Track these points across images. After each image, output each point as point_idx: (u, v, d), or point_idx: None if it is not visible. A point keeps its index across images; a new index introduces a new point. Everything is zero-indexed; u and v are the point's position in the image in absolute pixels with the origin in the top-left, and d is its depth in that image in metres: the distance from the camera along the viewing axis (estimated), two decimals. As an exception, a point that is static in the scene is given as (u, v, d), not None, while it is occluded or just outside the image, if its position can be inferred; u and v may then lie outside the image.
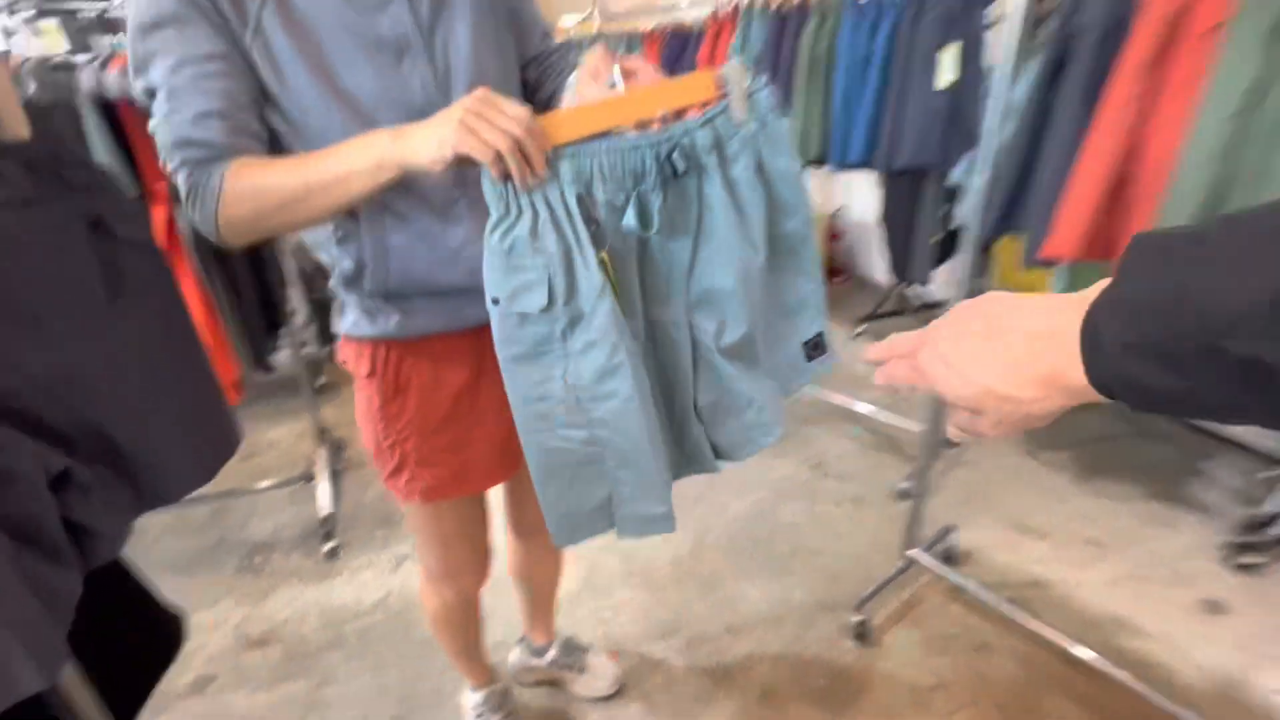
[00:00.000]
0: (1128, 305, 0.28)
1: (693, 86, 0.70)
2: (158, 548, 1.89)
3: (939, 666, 1.42)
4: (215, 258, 1.45)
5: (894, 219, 2.62)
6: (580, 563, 1.74)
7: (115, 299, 0.62)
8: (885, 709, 1.33)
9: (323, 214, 0.70)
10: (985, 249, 2.50)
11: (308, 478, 2.02)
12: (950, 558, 1.69)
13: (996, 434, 0.39)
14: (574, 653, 1.38)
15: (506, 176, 0.61)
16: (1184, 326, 0.26)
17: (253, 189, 0.68)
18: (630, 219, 0.67)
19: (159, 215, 1.32)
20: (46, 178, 0.55)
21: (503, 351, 0.68)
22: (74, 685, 0.64)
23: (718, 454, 0.83)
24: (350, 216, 0.76)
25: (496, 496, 1.04)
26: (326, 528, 1.82)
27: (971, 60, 1.76)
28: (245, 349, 1.56)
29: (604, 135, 0.66)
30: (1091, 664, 1.33)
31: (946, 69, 1.75)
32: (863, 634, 1.47)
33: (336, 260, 0.80)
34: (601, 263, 0.67)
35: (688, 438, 0.82)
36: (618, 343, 0.67)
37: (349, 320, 0.84)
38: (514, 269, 0.65)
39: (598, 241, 0.67)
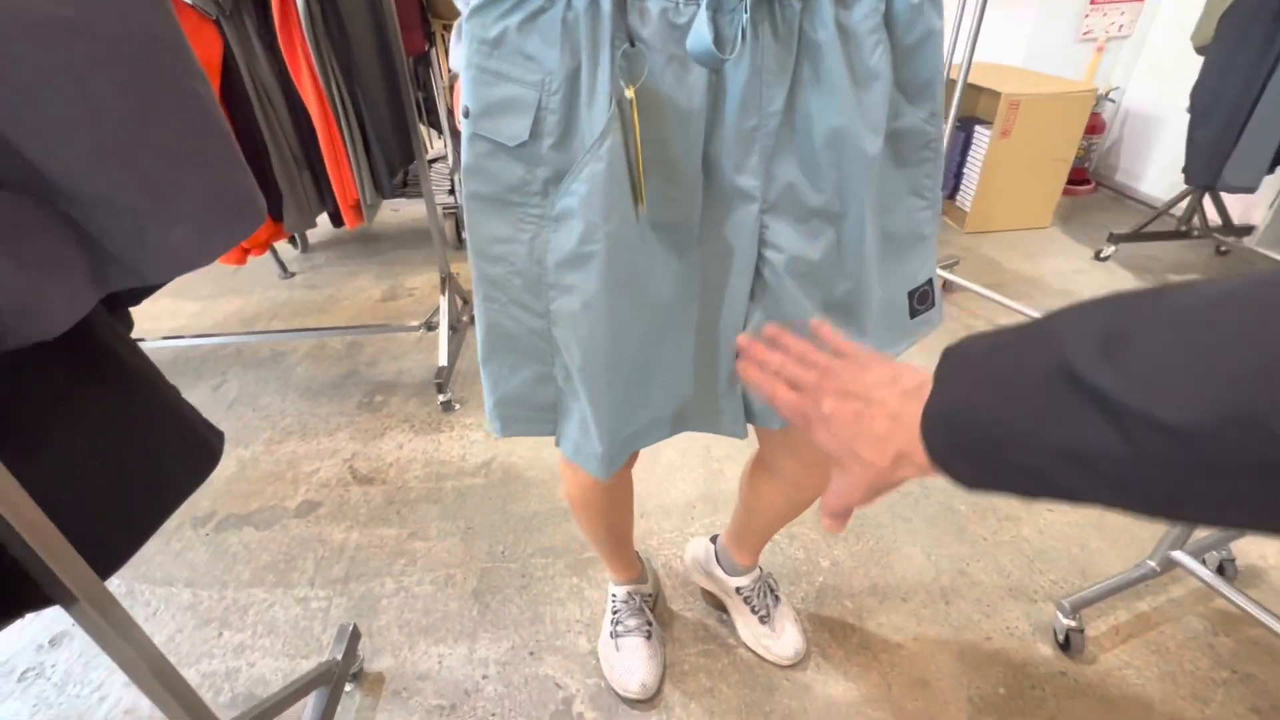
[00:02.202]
0: (945, 417, 0.34)
1: None
2: (296, 371, 1.93)
3: (1189, 717, 0.98)
4: (334, 49, 1.25)
5: (1221, 88, 1.81)
6: (702, 468, 1.48)
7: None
8: (1093, 754, 0.95)
9: None
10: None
11: (431, 326, 1.92)
12: (1224, 573, 1.18)
13: (864, 500, 0.42)
14: (766, 596, 1.09)
15: None
16: (977, 441, 0.32)
17: None
18: (701, 35, 0.45)
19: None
20: None
21: (466, 183, 0.54)
22: (15, 503, 0.48)
23: (750, 415, 0.68)
24: None
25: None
26: (439, 379, 1.72)
27: None
28: (364, 166, 1.39)
29: None
30: None
31: None
32: (1071, 643, 1.07)
33: None
34: (619, 105, 0.48)
35: (716, 383, 0.66)
36: (597, 224, 0.51)
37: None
38: (494, 75, 0.49)
39: (626, 71, 0.48)
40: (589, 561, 1.27)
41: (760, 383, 0.47)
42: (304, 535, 1.37)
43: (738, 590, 1.10)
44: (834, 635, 1.12)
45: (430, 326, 1.92)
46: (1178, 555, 1.10)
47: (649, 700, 1.02)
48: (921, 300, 0.69)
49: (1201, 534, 1.18)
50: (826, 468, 0.82)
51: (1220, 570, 1.17)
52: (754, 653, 1.09)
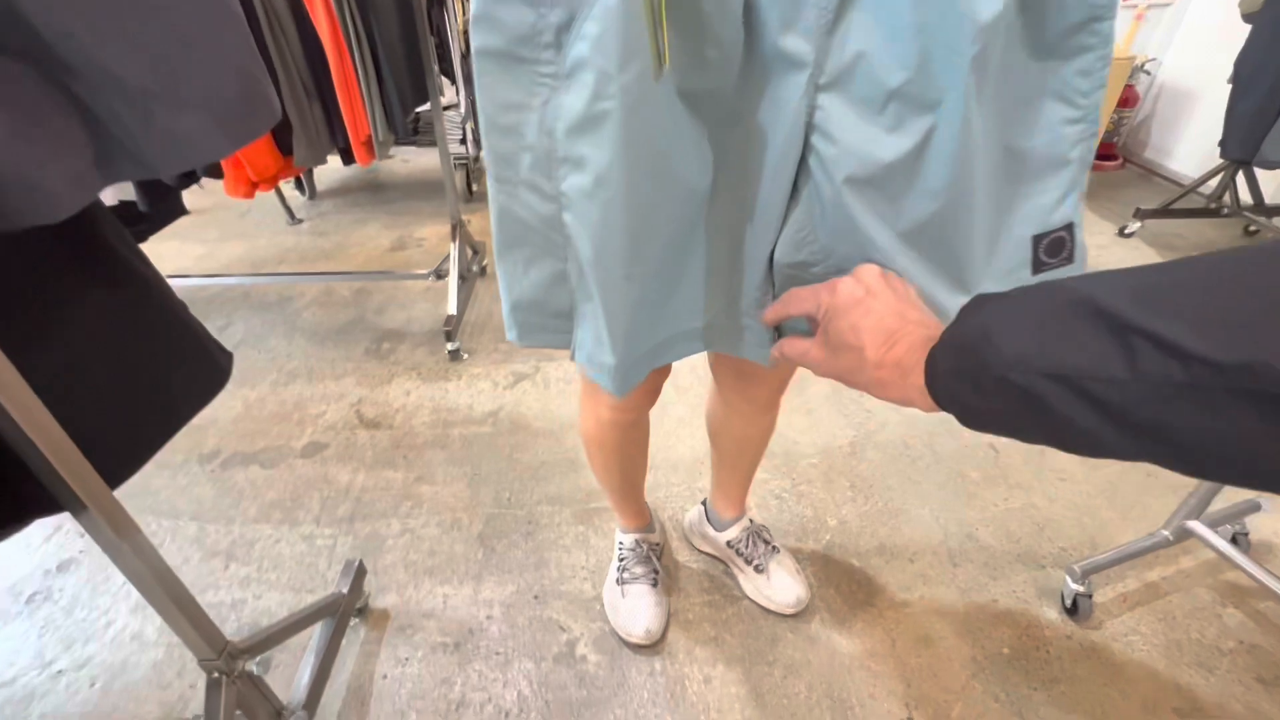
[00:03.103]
0: (954, 342, 0.36)
1: None
2: (303, 316, 1.91)
3: (1194, 686, 0.98)
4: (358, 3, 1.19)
5: (1268, 58, 1.74)
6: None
7: None
8: (1093, 714, 0.95)
9: None
10: None
11: (440, 274, 1.89)
12: (1237, 544, 1.17)
13: (821, 369, 0.45)
14: (758, 546, 1.09)
15: None
16: (984, 360, 0.33)
17: None
18: None
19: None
20: None
21: (474, 37, 0.46)
22: (25, 408, 0.47)
23: (773, 341, 0.58)
24: None
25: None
26: (448, 328, 1.69)
27: None
28: (378, 103, 1.34)
29: None
30: None
31: None
32: (1079, 608, 1.06)
33: None
34: None
35: (740, 297, 0.57)
36: (611, 75, 0.42)
37: None
38: None
39: None
40: (595, 511, 1.27)
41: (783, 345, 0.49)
42: (310, 475, 1.37)
43: (729, 545, 1.10)
44: (839, 591, 1.12)
45: (440, 275, 1.89)
46: (1193, 525, 1.08)
47: (653, 646, 1.03)
48: (1053, 251, 0.51)
49: (1216, 507, 1.16)
50: (772, 376, 0.83)
51: (1233, 542, 1.16)
52: (758, 605, 1.08)
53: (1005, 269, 0.51)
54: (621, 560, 1.08)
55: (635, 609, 1.02)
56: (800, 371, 0.94)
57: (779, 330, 0.57)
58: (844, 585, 1.13)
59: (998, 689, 0.98)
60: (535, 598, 1.11)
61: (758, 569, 1.08)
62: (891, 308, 0.42)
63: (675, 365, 0.73)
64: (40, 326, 0.50)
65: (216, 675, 0.68)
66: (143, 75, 0.45)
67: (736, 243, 0.53)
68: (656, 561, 1.10)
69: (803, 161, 0.47)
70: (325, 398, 1.59)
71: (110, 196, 1.38)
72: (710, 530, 1.13)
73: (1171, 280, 0.27)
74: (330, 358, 1.73)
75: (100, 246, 0.55)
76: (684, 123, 0.47)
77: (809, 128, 0.45)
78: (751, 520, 1.11)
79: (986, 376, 0.32)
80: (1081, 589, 1.06)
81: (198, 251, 2.30)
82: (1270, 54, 1.74)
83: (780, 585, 1.06)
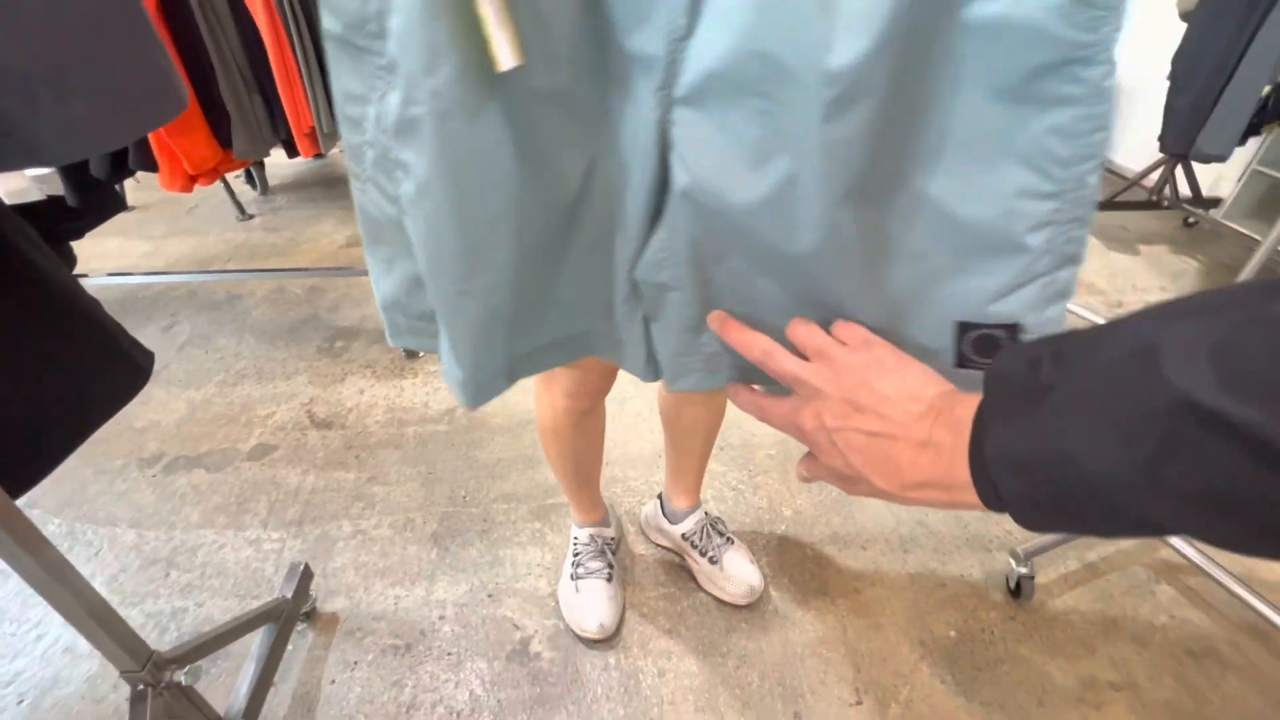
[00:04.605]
0: (1016, 462, 0.28)
1: None
2: (253, 314, 1.85)
3: (1128, 660, 1.02)
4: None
5: (1203, 54, 1.80)
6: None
7: None
8: (1036, 692, 0.98)
9: None
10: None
11: (397, 270, 1.85)
12: (1171, 525, 1.21)
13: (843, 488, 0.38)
14: (712, 538, 1.09)
15: None
16: (1076, 490, 0.26)
17: None
18: None
19: None
20: None
21: (322, 19, 0.40)
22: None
23: (653, 364, 0.52)
24: None
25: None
26: (404, 324, 1.66)
27: None
28: (321, 95, 1.31)
29: None
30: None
31: None
32: (1022, 589, 1.09)
33: None
34: None
35: (613, 306, 0.50)
36: (417, 78, 0.36)
37: None
38: None
39: None
40: (552, 507, 1.26)
41: (744, 345, 0.40)
42: (257, 478, 1.33)
43: (684, 537, 1.10)
44: (793, 581, 1.13)
45: (394, 271, 1.85)
46: (1128, 506, 1.12)
47: (607, 640, 1.02)
48: (982, 349, 0.42)
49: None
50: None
51: (1167, 523, 1.21)
52: (713, 596, 1.09)
53: (920, 345, 0.42)
54: (576, 555, 1.07)
55: (589, 604, 1.02)
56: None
57: (654, 357, 0.51)
58: (797, 575, 1.14)
59: (944, 671, 1.00)
60: (489, 596, 1.10)
61: (711, 560, 1.08)
62: (882, 437, 0.34)
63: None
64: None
65: (142, 687, 0.65)
66: (25, 60, 0.43)
67: (608, 253, 0.47)
68: (611, 556, 1.09)
69: (669, 179, 0.41)
70: (275, 398, 1.54)
71: (37, 192, 1.31)
72: (665, 524, 1.13)
73: (1249, 345, 0.22)
74: (281, 357, 1.68)
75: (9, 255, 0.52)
76: (533, 127, 0.40)
77: (666, 145, 0.39)
78: (706, 513, 1.12)
79: (1079, 505, 0.27)
80: (1025, 571, 1.09)
81: (142, 248, 2.22)
82: (1204, 51, 1.80)
83: (733, 576, 1.07)
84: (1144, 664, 1.02)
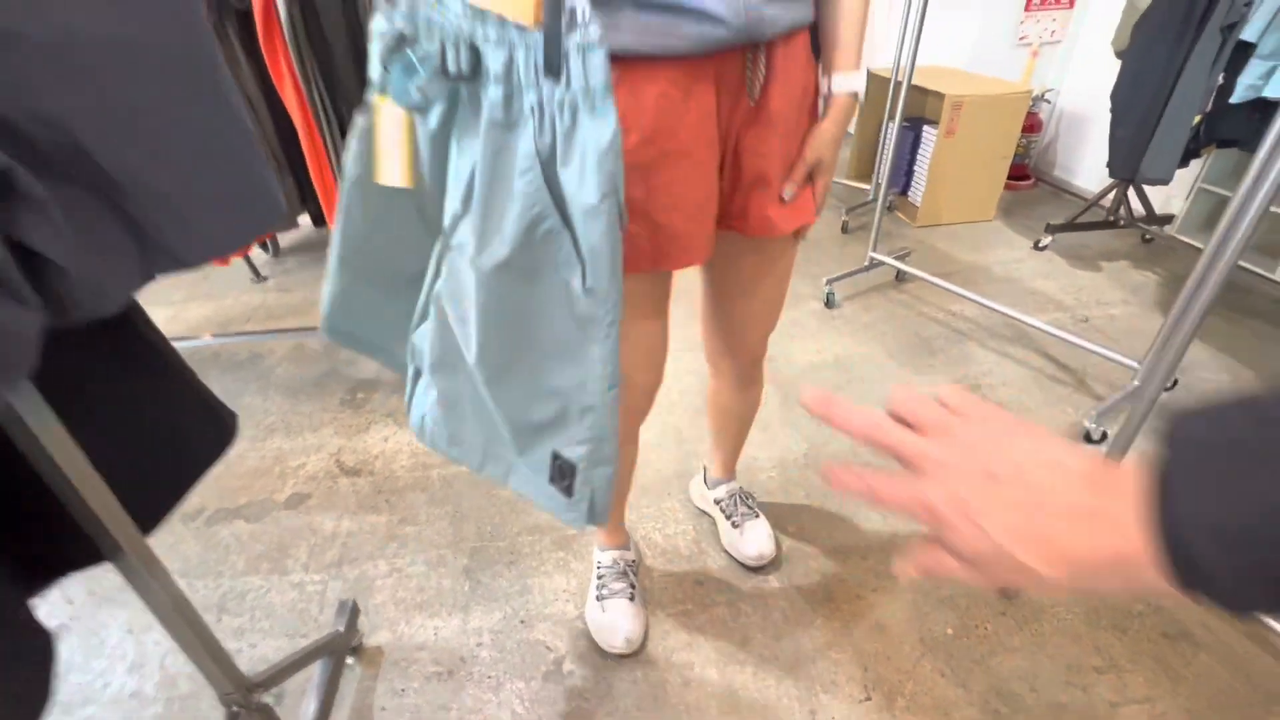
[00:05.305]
0: (1226, 531, 0.23)
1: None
2: (276, 372, 1.96)
3: (1110, 646, 1.12)
4: (313, 48, 1.31)
5: (1137, 88, 2.00)
6: (675, 448, 1.57)
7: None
8: (1028, 679, 1.07)
9: None
10: (1245, 143, 1.85)
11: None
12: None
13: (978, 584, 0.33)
14: (738, 506, 1.29)
15: None
16: None
17: None
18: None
19: (255, -8, 1.18)
20: None
21: None
22: (75, 467, 0.55)
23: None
24: None
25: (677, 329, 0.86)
26: (423, 373, 1.77)
27: None
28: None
29: None
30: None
31: None
32: (1012, 592, 1.19)
33: None
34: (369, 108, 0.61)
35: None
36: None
37: None
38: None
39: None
40: (574, 537, 1.35)
41: (847, 481, 0.34)
42: (295, 525, 1.42)
43: (716, 502, 1.30)
44: (801, 591, 1.22)
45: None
46: (1099, 505, 1.23)
47: (634, 654, 1.11)
48: (559, 475, 0.67)
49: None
50: (744, 350, 1.02)
51: (1138, 518, 1.32)
52: (728, 554, 1.26)
53: (537, 458, 0.70)
54: (600, 577, 1.17)
55: (615, 621, 1.11)
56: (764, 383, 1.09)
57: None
58: (805, 585, 1.24)
59: (944, 665, 1.09)
60: (522, 622, 1.19)
61: (734, 525, 1.26)
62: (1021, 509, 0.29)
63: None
64: (86, 401, 0.59)
65: (235, 709, 0.74)
66: (175, 187, 0.55)
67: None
68: (633, 577, 1.19)
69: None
70: (305, 449, 1.64)
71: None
72: (704, 489, 1.34)
73: None
74: (306, 410, 1.79)
75: (129, 329, 0.64)
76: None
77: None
78: (740, 486, 1.31)
79: None
80: (1011, 569, 1.19)
81: (164, 314, 2.33)
82: (1138, 86, 1.99)
83: (749, 541, 1.24)
84: (1124, 648, 1.11)
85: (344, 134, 1.41)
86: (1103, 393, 1.74)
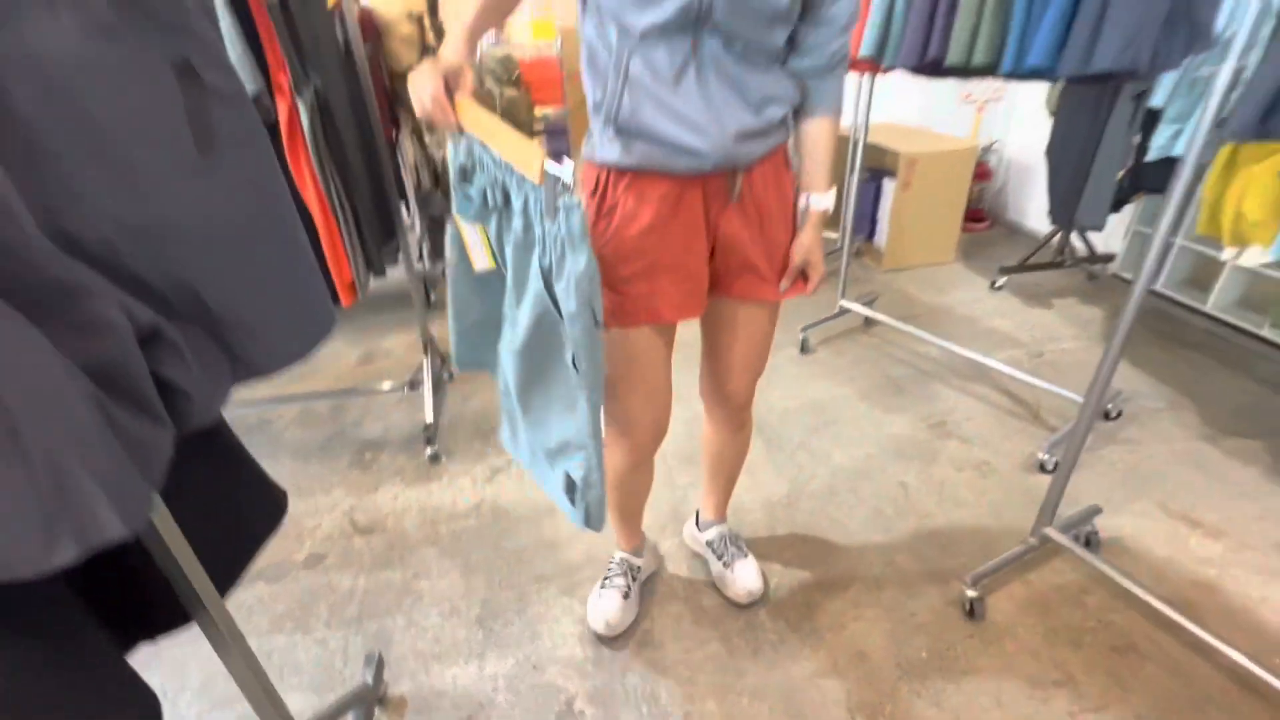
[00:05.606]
0: None
1: (526, 156, 0.74)
2: (285, 436, 2.06)
3: (1067, 660, 1.24)
4: (333, 156, 1.46)
5: (1065, 148, 2.23)
6: (668, 492, 1.69)
7: (206, 152, 0.58)
8: (994, 695, 1.18)
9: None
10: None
11: (414, 385, 2.10)
12: (1090, 544, 1.46)
13: None
14: (729, 547, 1.41)
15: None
16: None
17: None
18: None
19: (282, 107, 1.34)
20: (131, 7, 0.51)
21: None
22: (177, 544, 0.67)
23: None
24: (606, 49, 0.84)
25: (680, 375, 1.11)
26: (428, 434, 1.89)
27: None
28: (359, 250, 1.59)
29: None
30: (1276, 691, 1.10)
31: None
32: (975, 610, 1.32)
33: (590, 88, 0.90)
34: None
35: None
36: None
37: (586, 149, 0.94)
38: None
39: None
40: (578, 583, 1.46)
41: None
42: (314, 584, 1.51)
43: (708, 544, 1.43)
44: (789, 624, 1.34)
45: (413, 385, 2.10)
46: (1050, 532, 1.38)
47: (614, 639, 1.31)
48: (569, 488, 0.96)
49: (1069, 512, 1.47)
50: (733, 396, 1.18)
51: (1087, 542, 1.46)
52: (720, 592, 1.38)
53: (558, 472, 0.98)
54: (609, 570, 1.36)
55: (604, 607, 1.31)
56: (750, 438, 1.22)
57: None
58: (792, 618, 1.35)
59: (919, 686, 1.21)
60: (534, 666, 1.28)
61: (725, 564, 1.38)
62: None
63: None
64: (178, 485, 0.71)
65: (288, 757, 0.84)
66: (261, 317, 0.69)
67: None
68: (632, 580, 1.36)
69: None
70: (318, 511, 1.74)
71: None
72: (697, 533, 1.46)
73: None
74: (317, 472, 1.89)
75: (212, 427, 0.76)
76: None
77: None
78: (730, 528, 1.44)
79: None
80: (975, 594, 1.32)
81: (171, 384, 2.42)
82: (1066, 146, 2.22)
83: (739, 579, 1.36)
84: (1079, 662, 1.24)
85: (359, 225, 1.56)
86: (1055, 424, 1.90)
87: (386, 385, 2.16)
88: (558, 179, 0.70)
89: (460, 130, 0.82)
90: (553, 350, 0.86)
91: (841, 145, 3.04)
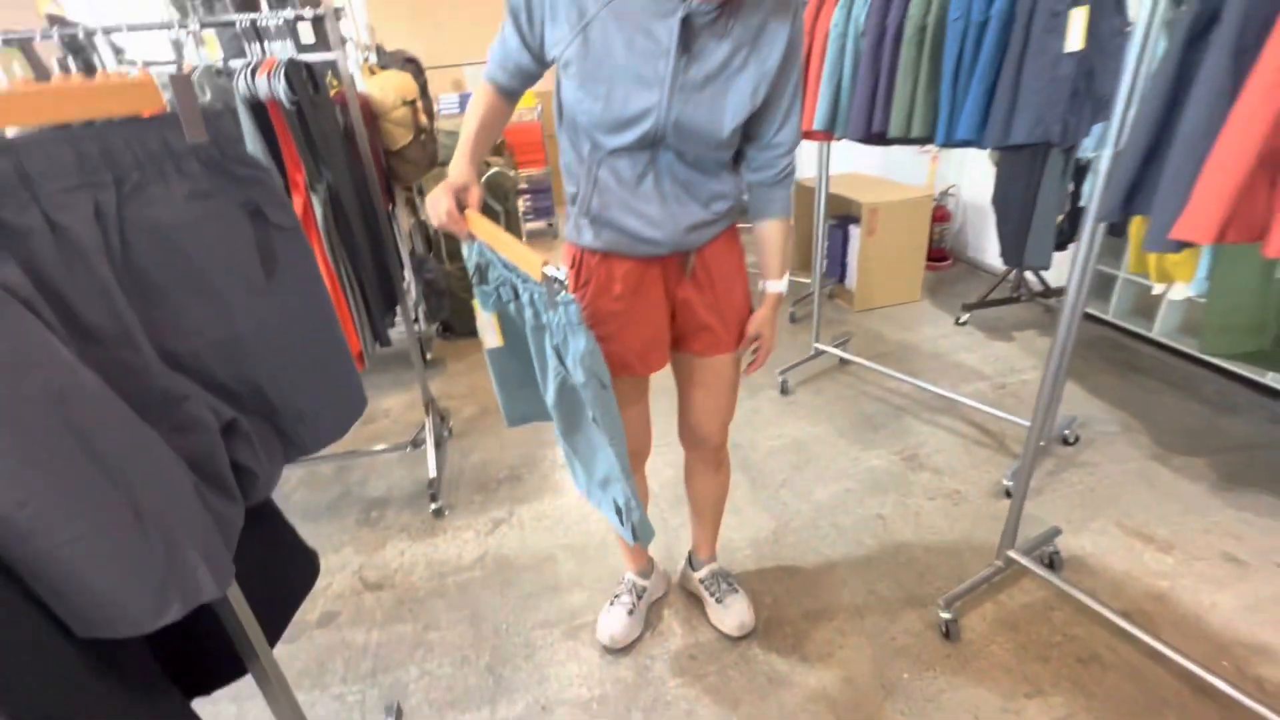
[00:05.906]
0: None
1: (527, 261, 0.89)
2: (293, 498, 2.15)
3: (1037, 674, 1.34)
4: (342, 240, 1.61)
5: (1008, 198, 2.44)
6: (662, 535, 1.79)
7: (270, 276, 0.72)
8: (972, 710, 1.28)
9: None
10: (1117, 231, 2.27)
11: (416, 443, 2.20)
12: (1054, 563, 1.58)
13: None
14: (720, 584, 1.51)
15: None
16: None
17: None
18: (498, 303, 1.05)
19: (297, 201, 1.49)
20: (220, 173, 0.65)
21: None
22: (239, 603, 0.77)
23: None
24: (579, 159, 1.02)
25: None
26: (432, 490, 1.99)
27: (1107, 17, 1.58)
28: (366, 323, 1.72)
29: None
30: (1224, 693, 1.21)
31: (1077, 29, 1.59)
32: (950, 632, 1.42)
33: (566, 183, 1.07)
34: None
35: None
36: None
37: (568, 230, 1.10)
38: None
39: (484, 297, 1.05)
40: (580, 627, 1.55)
41: None
42: (329, 642, 1.58)
43: (701, 582, 1.53)
44: (780, 653, 1.43)
45: (416, 444, 2.20)
46: (1013, 554, 1.50)
47: (615, 651, 1.45)
48: (618, 510, 1.10)
49: (1032, 533, 1.59)
50: (707, 440, 1.32)
51: (1050, 562, 1.58)
52: (714, 628, 1.48)
53: (609, 498, 1.10)
54: (619, 589, 1.50)
55: (609, 622, 1.47)
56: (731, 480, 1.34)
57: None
58: (782, 648, 1.44)
59: (903, 705, 1.30)
60: (543, 709, 1.36)
61: (718, 601, 1.48)
62: None
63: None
64: (239, 552, 0.81)
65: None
66: (308, 404, 0.81)
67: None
68: (637, 599, 1.49)
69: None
70: (328, 570, 1.81)
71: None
72: (690, 572, 1.57)
73: None
74: (325, 532, 1.97)
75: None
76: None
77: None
78: (720, 566, 1.54)
79: None
80: (950, 616, 1.43)
81: (177, 452, 2.50)
82: (1008, 195, 2.43)
83: (730, 614, 1.47)
84: (1048, 675, 1.34)
85: (365, 299, 1.70)
86: (1019, 452, 2.04)
87: (385, 445, 2.26)
88: (554, 279, 0.84)
89: (472, 238, 0.97)
90: (578, 408, 1.00)
91: (808, 196, 3.26)
